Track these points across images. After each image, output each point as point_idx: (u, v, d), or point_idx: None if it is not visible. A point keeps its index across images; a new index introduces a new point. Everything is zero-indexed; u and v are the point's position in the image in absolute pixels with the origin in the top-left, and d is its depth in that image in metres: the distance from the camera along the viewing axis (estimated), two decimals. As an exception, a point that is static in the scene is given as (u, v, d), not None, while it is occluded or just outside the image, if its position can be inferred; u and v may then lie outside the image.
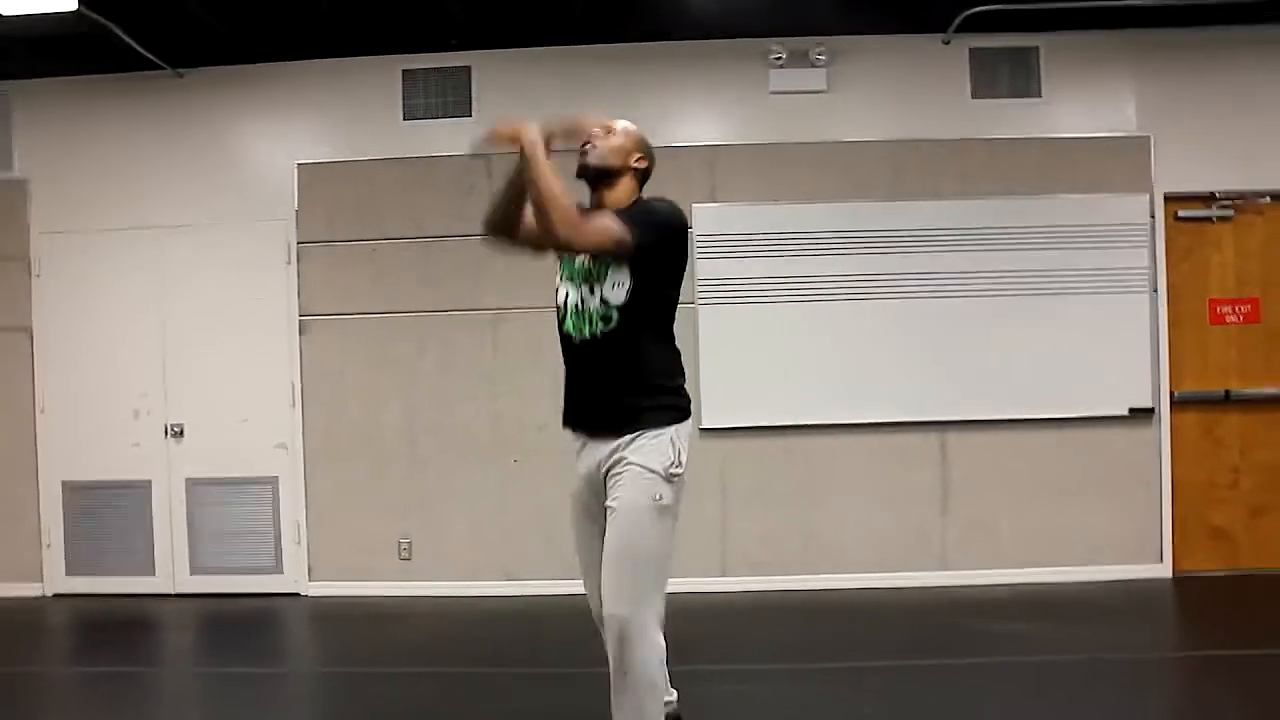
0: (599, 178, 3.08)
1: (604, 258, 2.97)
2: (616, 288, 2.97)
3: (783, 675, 4.55)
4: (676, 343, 3.15)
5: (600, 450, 3.01)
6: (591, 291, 3.00)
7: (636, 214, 3.00)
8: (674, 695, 3.24)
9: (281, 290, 6.32)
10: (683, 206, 6.30)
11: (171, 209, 6.35)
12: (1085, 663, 4.59)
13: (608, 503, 2.97)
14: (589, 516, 3.08)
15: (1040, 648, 4.85)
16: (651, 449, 2.96)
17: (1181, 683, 4.56)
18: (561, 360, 3.16)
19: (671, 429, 3.01)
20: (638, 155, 3.13)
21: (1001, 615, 5.51)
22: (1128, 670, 4.55)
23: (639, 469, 2.94)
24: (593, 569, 3.03)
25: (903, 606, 5.75)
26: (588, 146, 3.08)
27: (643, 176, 3.17)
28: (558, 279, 3.13)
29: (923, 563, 6.15)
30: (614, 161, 3.07)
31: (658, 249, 2.99)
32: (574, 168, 3.11)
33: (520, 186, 3.03)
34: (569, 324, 3.05)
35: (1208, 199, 6.19)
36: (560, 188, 2.89)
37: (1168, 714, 4.18)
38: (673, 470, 2.97)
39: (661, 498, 2.95)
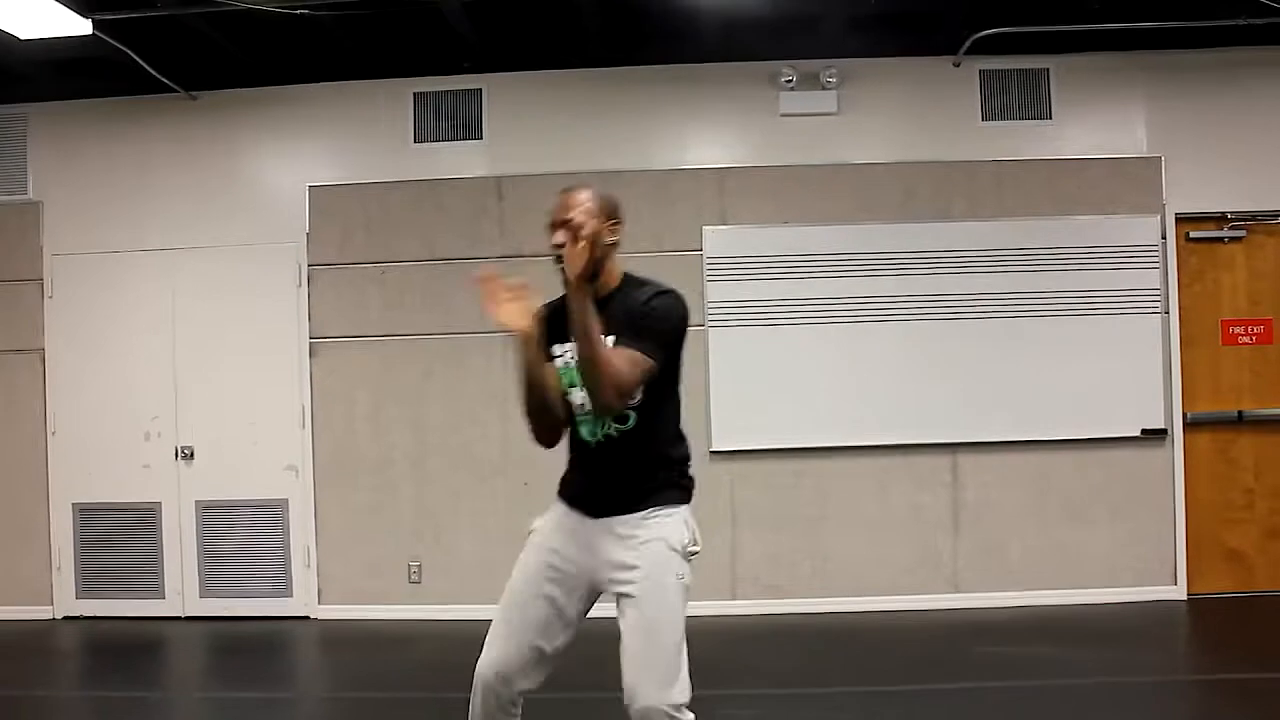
0: (591, 270, 2.78)
1: None
2: None
3: (793, 700, 4.53)
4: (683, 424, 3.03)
5: (600, 528, 2.88)
6: None
7: (648, 323, 2.81)
8: None
9: (292, 312, 6.33)
10: (693, 229, 6.36)
11: (183, 231, 6.37)
12: (1099, 686, 4.56)
13: (626, 586, 2.82)
14: (553, 584, 2.89)
15: (1053, 671, 4.82)
16: (669, 526, 2.88)
17: (1197, 706, 4.51)
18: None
19: (683, 508, 2.95)
20: (609, 232, 2.86)
21: (1014, 638, 5.47)
22: (1142, 694, 4.51)
23: (662, 547, 2.85)
24: (518, 627, 2.87)
25: (914, 629, 5.72)
26: (562, 264, 2.78)
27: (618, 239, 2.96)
28: (563, 382, 2.90)
29: (934, 585, 6.12)
30: (589, 264, 2.72)
31: (672, 354, 2.88)
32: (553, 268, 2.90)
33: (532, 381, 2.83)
34: (583, 429, 2.90)
35: (1219, 219, 6.17)
36: (604, 352, 2.72)
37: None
38: (690, 549, 2.90)
39: (684, 576, 2.87)
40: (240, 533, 6.34)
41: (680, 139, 6.28)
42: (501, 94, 6.29)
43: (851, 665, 5.11)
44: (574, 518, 2.93)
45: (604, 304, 2.84)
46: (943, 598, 6.08)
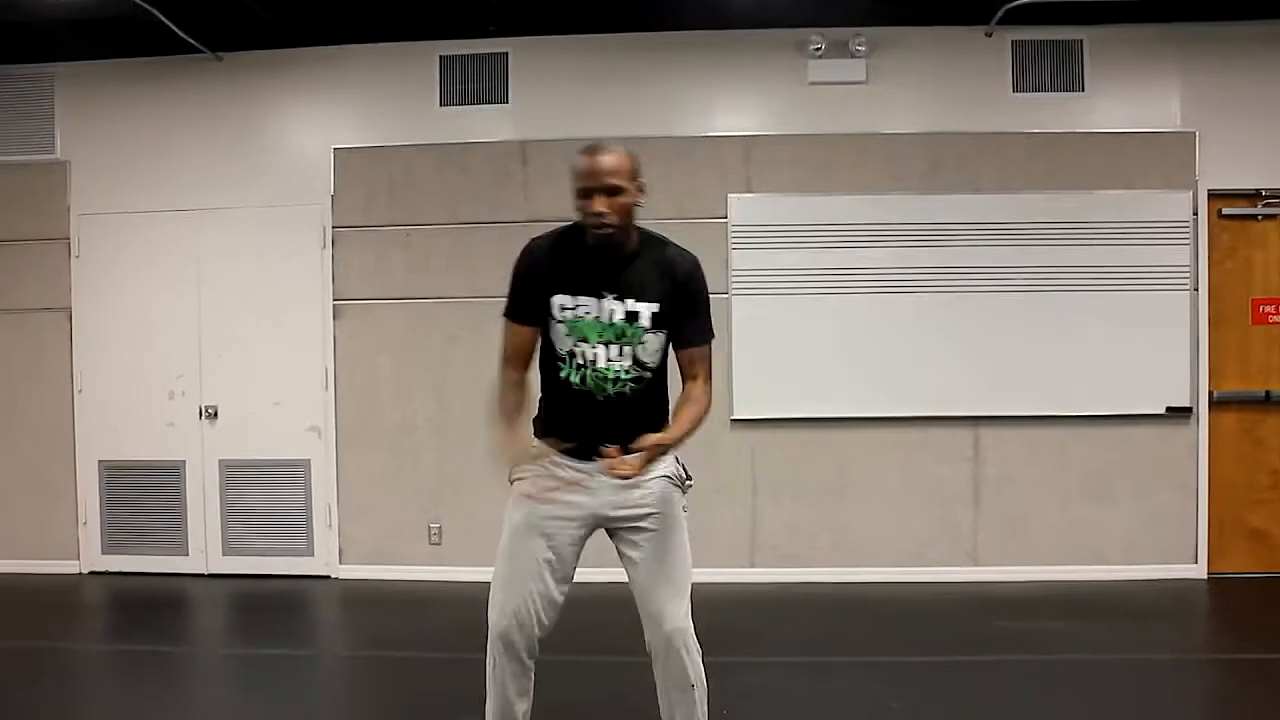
0: (622, 235, 2.86)
1: (638, 324, 2.87)
2: (653, 352, 2.92)
3: (810, 669, 4.54)
4: None
5: (598, 469, 2.89)
6: (621, 353, 2.89)
7: (702, 302, 2.97)
8: None
9: (316, 274, 6.35)
10: (718, 196, 6.35)
11: (209, 192, 6.39)
12: (1117, 663, 4.55)
13: (640, 522, 2.92)
14: (552, 531, 2.94)
15: (1071, 646, 4.81)
16: (666, 463, 2.96)
17: (1215, 685, 4.50)
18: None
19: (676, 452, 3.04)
20: (639, 189, 2.88)
21: (1033, 613, 5.46)
22: (1160, 671, 4.51)
23: (666, 483, 2.95)
24: (525, 576, 2.93)
25: (932, 602, 5.72)
26: (600, 219, 2.80)
27: None
28: (568, 334, 2.89)
29: (953, 558, 6.12)
30: (631, 216, 2.85)
31: None
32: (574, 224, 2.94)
33: None
34: (590, 382, 2.89)
35: (1253, 197, 6.09)
36: (691, 425, 2.87)
37: (1201, 717, 4.13)
38: (688, 483, 3.04)
39: (686, 509, 3.01)
40: (263, 492, 6.40)
41: (707, 105, 6.24)
42: (527, 58, 6.26)
43: (869, 636, 5.12)
44: (567, 462, 2.95)
45: (629, 262, 2.88)
46: (962, 571, 6.07)
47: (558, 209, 6.14)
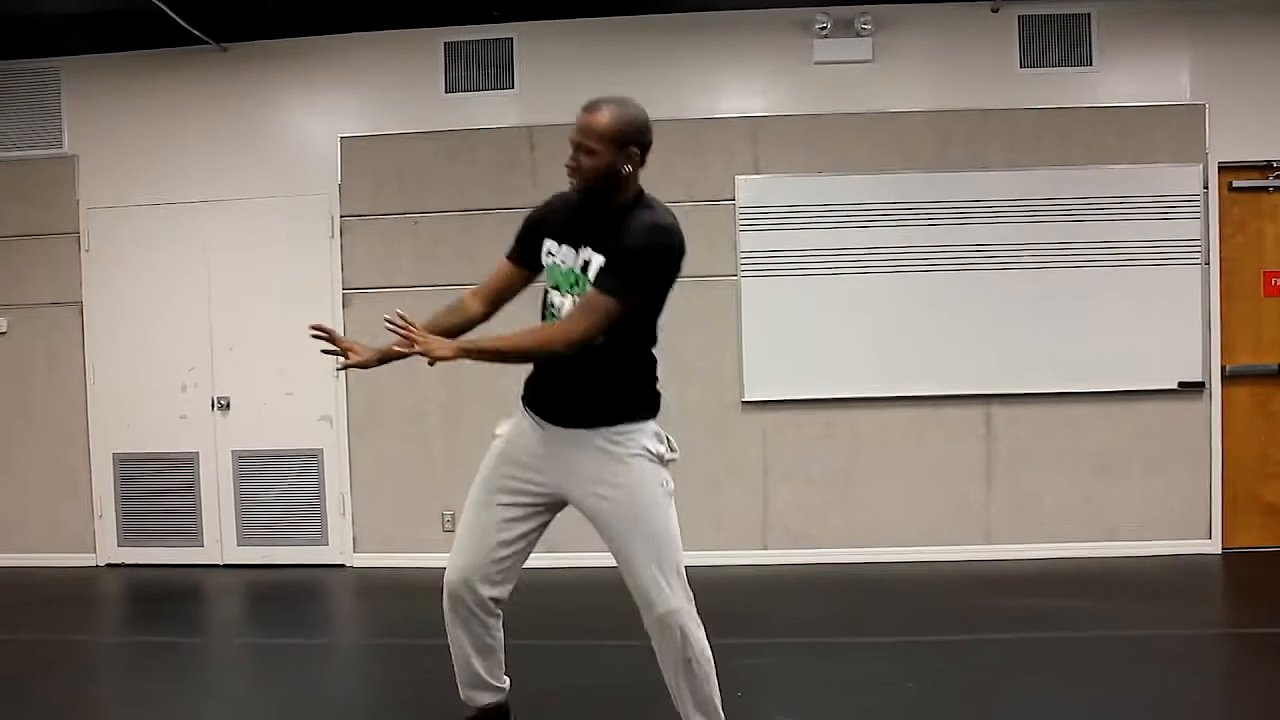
0: (598, 195, 2.90)
1: (586, 274, 2.87)
2: None
3: (823, 649, 4.55)
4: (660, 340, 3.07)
5: (565, 437, 2.94)
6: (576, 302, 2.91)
7: (638, 268, 2.82)
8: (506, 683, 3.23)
9: (325, 264, 6.36)
10: (726, 178, 6.32)
11: (217, 183, 6.40)
12: (1131, 639, 4.55)
13: (615, 503, 2.89)
14: (518, 491, 3.00)
15: (1086, 623, 4.81)
16: (645, 437, 2.93)
17: (1230, 660, 4.50)
18: None
19: (652, 422, 2.99)
20: (627, 156, 2.86)
21: (1047, 590, 5.46)
22: (1175, 646, 4.50)
23: (644, 461, 2.90)
24: (478, 535, 3.01)
25: (945, 580, 5.72)
26: (573, 174, 2.89)
27: (641, 162, 2.95)
28: (548, 279, 3.01)
29: (967, 536, 6.11)
30: (604, 180, 2.86)
31: (650, 292, 2.89)
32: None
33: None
34: (549, 321, 2.97)
35: (1264, 169, 6.04)
36: (520, 343, 2.90)
37: (1217, 692, 4.13)
38: (668, 456, 2.96)
39: (667, 483, 2.94)
40: (276, 482, 6.43)
41: (713, 87, 6.21)
42: (533, 43, 6.24)
43: (882, 616, 5.12)
44: (542, 427, 3.00)
45: (605, 217, 2.89)
46: (975, 549, 6.07)
47: (565, 194, 6.13)
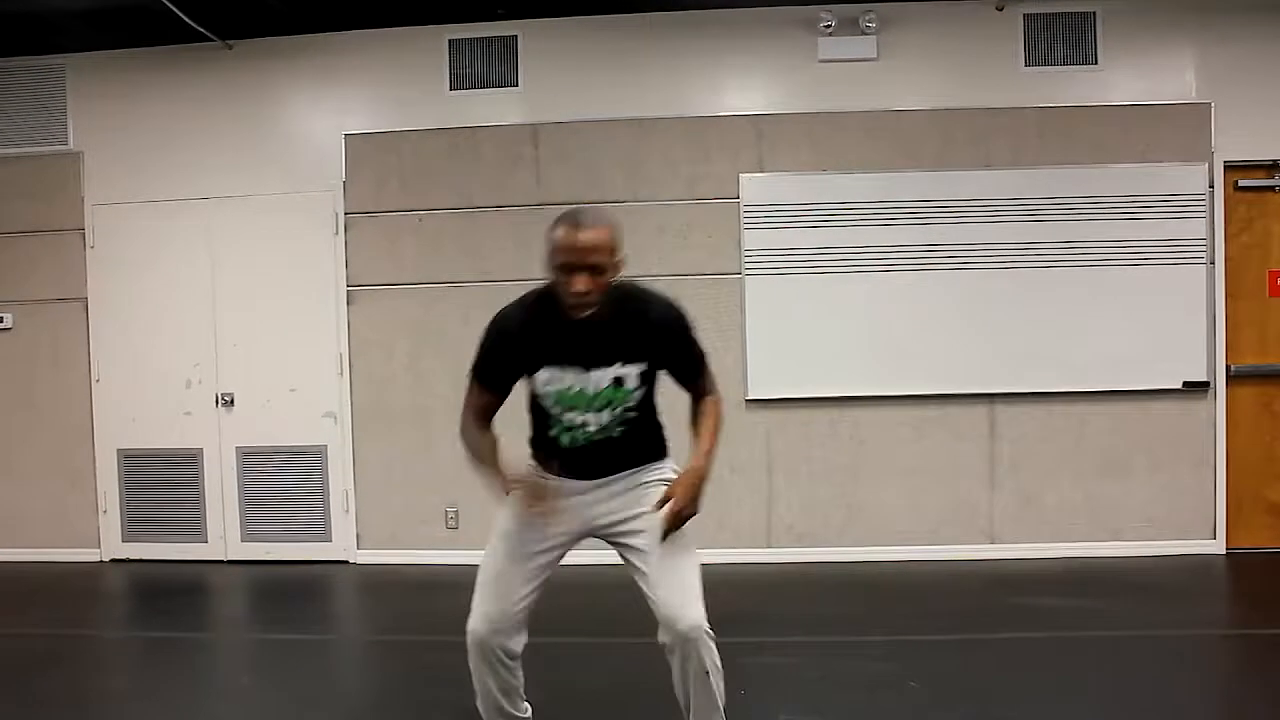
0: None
1: (624, 387, 2.91)
2: (639, 398, 2.96)
3: (826, 648, 4.54)
4: None
5: (592, 487, 3.02)
6: (612, 415, 2.95)
7: (699, 355, 3.02)
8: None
9: (329, 260, 6.37)
10: (730, 176, 6.33)
11: (221, 180, 6.41)
12: (1135, 639, 4.54)
13: (644, 528, 2.92)
14: (544, 550, 3.01)
15: (1089, 623, 4.80)
16: (664, 470, 3.04)
17: (1234, 661, 4.49)
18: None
19: (669, 459, 3.10)
20: (619, 265, 2.83)
21: (1050, 590, 5.45)
22: (1179, 647, 4.49)
23: (662, 486, 2.95)
24: (506, 585, 3.00)
25: (949, 580, 5.71)
26: (586, 296, 2.76)
27: None
28: (554, 404, 2.97)
29: (970, 536, 6.11)
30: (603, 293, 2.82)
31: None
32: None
33: None
34: (582, 438, 2.97)
35: (1270, 168, 6.03)
36: (717, 441, 2.98)
37: (1220, 692, 4.12)
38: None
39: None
40: (280, 479, 6.44)
41: (717, 85, 6.20)
42: (537, 40, 6.24)
43: (885, 615, 5.11)
44: (561, 483, 3.02)
45: (606, 326, 2.85)
46: (978, 548, 6.07)
47: (569, 192, 6.18)
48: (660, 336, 2.92)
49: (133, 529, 6.53)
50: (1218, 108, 5.98)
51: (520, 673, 3.11)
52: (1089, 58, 6.06)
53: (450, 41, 6.29)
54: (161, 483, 6.50)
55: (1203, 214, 5.95)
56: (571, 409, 2.95)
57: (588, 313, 2.79)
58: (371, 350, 6.36)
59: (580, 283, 2.73)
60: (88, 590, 6.07)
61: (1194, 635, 4.69)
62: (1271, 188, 6.04)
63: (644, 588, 2.93)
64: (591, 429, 2.95)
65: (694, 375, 3.01)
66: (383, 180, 6.33)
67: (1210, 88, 6.01)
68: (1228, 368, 6.02)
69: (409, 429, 6.33)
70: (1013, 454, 6.11)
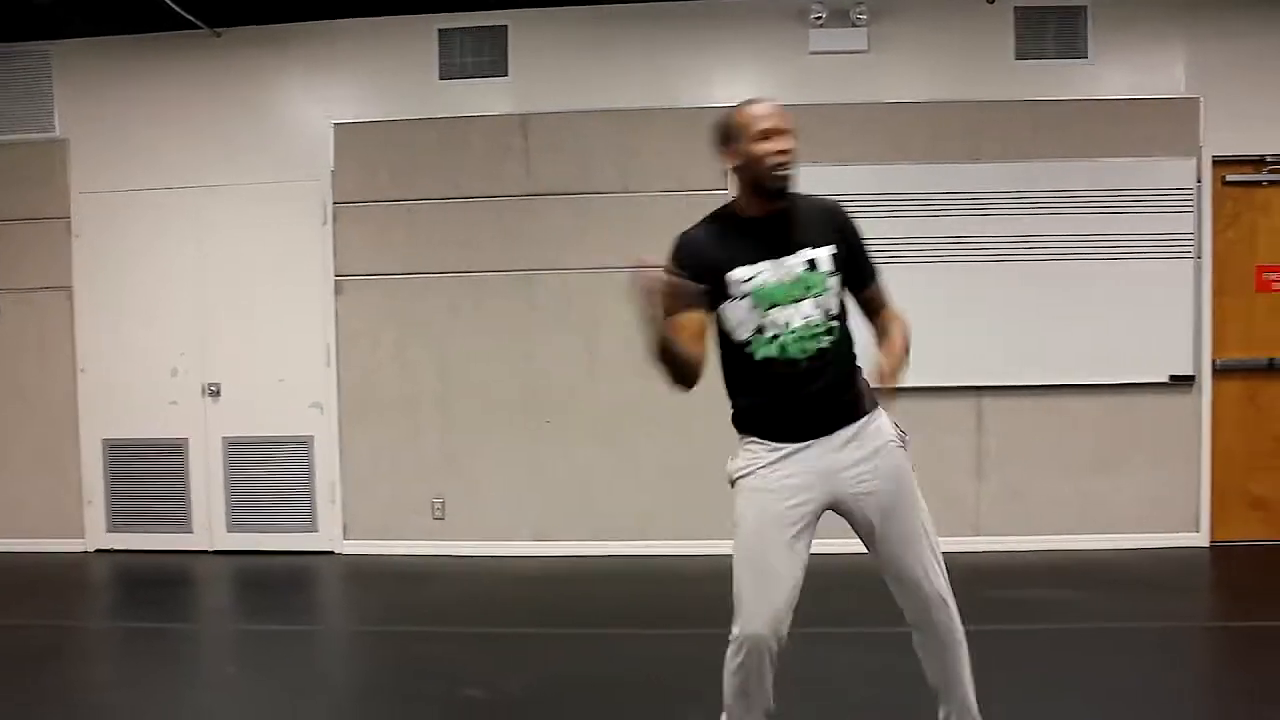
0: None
1: (819, 270, 2.86)
2: (836, 300, 2.90)
3: (811, 639, 4.53)
4: None
5: (823, 445, 2.90)
6: (815, 307, 2.85)
7: (860, 239, 3.02)
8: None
9: (317, 250, 6.34)
10: (719, 169, 6.26)
11: (209, 169, 6.37)
12: (1119, 631, 4.56)
13: (879, 494, 2.92)
14: (798, 526, 2.92)
15: (1074, 615, 4.82)
16: (887, 426, 2.98)
17: (1217, 653, 4.52)
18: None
19: (881, 408, 3.01)
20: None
21: (1035, 582, 5.47)
22: (1162, 639, 4.51)
23: (893, 447, 2.95)
24: (782, 578, 2.92)
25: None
26: (788, 165, 2.85)
27: None
28: (753, 306, 2.82)
29: (956, 528, 6.10)
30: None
31: None
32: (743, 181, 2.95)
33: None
34: (791, 349, 2.83)
35: (1258, 163, 6.05)
36: (908, 332, 3.01)
37: (1203, 684, 4.14)
38: (907, 438, 3.01)
39: (914, 466, 3.00)
40: (266, 469, 6.42)
41: (707, 76, 6.19)
42: (527, 30, 6.22)
43: (870, 606, 5.10)
44: (791, 451, 2.90)
45: (786, 217, 2.91)
46: (965, 541, 6.06)
47: (559, 182, 6.16)
48: (838, 221, 2.96)
49: (118, 519, 6.50)
50: (1206, 103, 5.99)
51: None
52: (1080, 52, 6.06)
53: (440, 31, 6.26)
54: (147, 473, 6.48)
55: (1191, 209, 5.96)
56: (773, 305, 2.82)
57: (788, 177, 2.84)
58: (359, 340, 6.34)
59: (783, 141, 2.83)
60: (73, 581, 6.05)
61: (1177, 628, 4.71)
62: (1259, 183, 6.06)
63: (880, 557, 3.00)
64: (797, 327, 2.82)
65: (871, 273, 3.02)
66: (372, 170, 6.31)
67: (1199, 83, 6.02)
68: (1213, 362, 6.05)
69: (396, 419, 6.32)
70: (999, 447, 6.12)
